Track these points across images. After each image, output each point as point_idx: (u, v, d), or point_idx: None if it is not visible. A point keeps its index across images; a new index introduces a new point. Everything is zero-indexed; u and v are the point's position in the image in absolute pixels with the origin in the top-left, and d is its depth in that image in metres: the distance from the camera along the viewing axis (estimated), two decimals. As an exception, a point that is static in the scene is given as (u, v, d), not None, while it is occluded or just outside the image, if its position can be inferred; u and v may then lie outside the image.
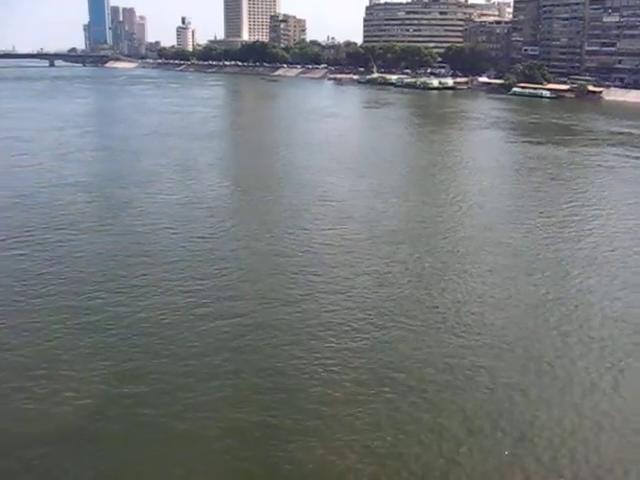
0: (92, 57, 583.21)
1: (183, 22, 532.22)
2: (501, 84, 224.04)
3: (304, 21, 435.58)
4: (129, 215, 58.82)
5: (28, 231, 52.85)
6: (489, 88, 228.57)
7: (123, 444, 25.61)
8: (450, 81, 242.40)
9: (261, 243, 50.81)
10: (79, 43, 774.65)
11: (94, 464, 24.47)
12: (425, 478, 24.02)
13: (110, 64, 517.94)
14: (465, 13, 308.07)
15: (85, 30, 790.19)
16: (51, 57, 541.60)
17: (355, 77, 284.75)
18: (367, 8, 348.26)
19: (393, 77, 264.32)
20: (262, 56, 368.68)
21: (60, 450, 25.23)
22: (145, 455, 25.19)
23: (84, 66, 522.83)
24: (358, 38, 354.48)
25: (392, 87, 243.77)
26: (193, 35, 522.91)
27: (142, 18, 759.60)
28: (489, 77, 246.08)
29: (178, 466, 24.40)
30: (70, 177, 74.82)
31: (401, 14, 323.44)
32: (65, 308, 37.58)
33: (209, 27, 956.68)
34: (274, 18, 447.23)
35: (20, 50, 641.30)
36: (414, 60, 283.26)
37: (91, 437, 25.94)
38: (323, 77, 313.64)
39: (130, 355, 32.11)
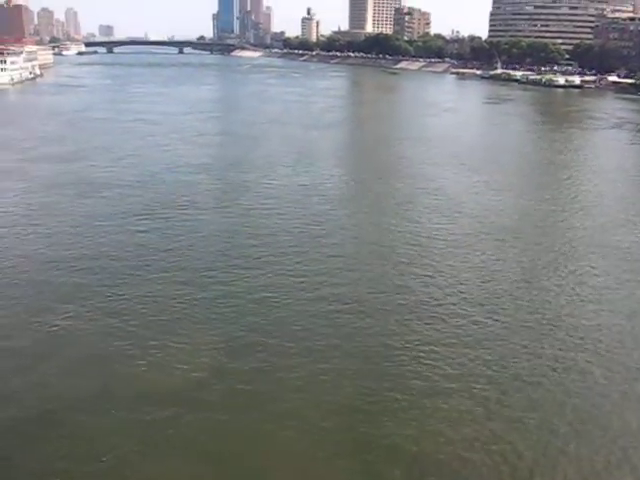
0: (219, 45, 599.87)
1: (308, 13, 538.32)
2: (632, 84, 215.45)
3: (429, 14, 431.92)
4: (247, 198, 61.20)
5: (152, 208, 56.15)
6: (618, 88, 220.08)
7: (222, 416, 26.97)
8: (577, 79, 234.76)
9: (371, 232, 51.94)
10: (207, 32, 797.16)
11: (193, 428, 26.25)
12: (533, 472, 24.41)
13: (236, 52, 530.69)
14: (597, 9, 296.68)
15: (214, 19, 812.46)
16: (180, 44, 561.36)
17: (478, 72, 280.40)
18: (494, 2, 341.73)
19: (517, 73, 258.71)
20: (385, 48, 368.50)
21: (166, 412, 27.13)
22: (241, 430, 26.31)
23: (211, 54, 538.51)
24: (483, 32, 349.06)
25: (516, 83, 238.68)
26: (317, 26, 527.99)
27: (268, 8, 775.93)
28: (619, 76, 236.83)
29: (271, 443, 25.52)
30: (193, 160, 78.34)
31: (529, 9, 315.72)
32: (181, 282, 39.88)
33: (334, 18, 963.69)
34: (399, 11, 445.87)
35: (152, 37, 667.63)
36: (540, 56, 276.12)
37: (195, 405, 27.73)
38: (445, 71, 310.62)
39: (238, 332, 33.82)
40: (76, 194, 61.04)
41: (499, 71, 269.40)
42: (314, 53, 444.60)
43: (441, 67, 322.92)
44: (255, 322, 34.83)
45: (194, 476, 23.65)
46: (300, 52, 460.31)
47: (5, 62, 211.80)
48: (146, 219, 52.98)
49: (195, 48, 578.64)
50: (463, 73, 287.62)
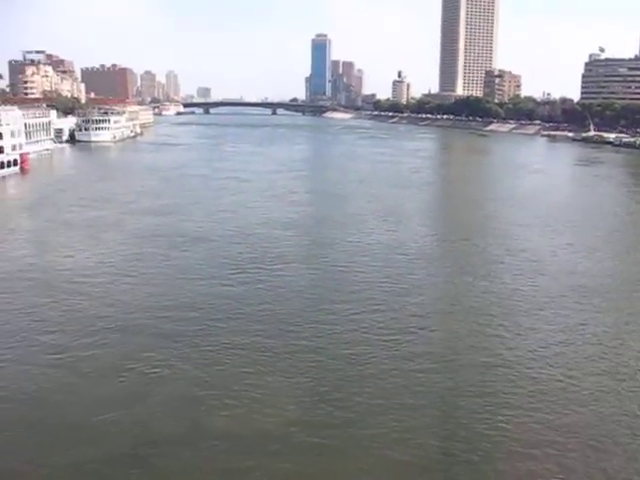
0: (311, 107, 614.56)
1: (399, 75, 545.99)
2: None
3: (519, 77, 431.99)
4: (333, 254, 62.91)
5: (241, 262, 58.47)
6: None
7: (301, 468, 28.12)
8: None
9: (455, 292, 52.54)
10: (300, 93, 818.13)
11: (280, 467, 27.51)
12: None
13: (327, 114, 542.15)
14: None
15: (307, 81, 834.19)
16: (274, 106, 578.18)
17: (570, 134, 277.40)
18: (586, 64, 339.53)
19: (610, 136, 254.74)
20: (475, 110, 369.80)
21: (248, 459, 28.42)
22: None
23: (303, 115, 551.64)
24: (575, 94, 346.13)
25: (609, 146, 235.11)
26: (408, 88, 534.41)
27: (360, 71, 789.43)
28: None
29: None
30: (283, 216, 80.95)
31: (623, 70, 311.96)
32: (267, 334, 41.43)
33: (424, 81, 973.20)
34: (489, 73, 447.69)
35: (247, 99, 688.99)
36: (634, 119, 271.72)
37: (275, 454, 28.86)
38: (536, 133, 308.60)
39: (321, 386, 34.78)
40: (170, 246, 64.15)
41: (591, 133, 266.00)
42: (404, 115, 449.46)
43: (532, 129, 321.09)
44: (338, 377, 35.67)
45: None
46: (390, 114, 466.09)
47: (109, 121, 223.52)
48: (235, 272, 55.18)
49: (288, 109, 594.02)
50: (554, 135, 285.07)
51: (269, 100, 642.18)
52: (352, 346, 39.79)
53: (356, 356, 38.33)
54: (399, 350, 39.44)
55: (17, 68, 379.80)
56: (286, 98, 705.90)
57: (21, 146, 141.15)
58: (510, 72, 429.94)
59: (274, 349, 39.04)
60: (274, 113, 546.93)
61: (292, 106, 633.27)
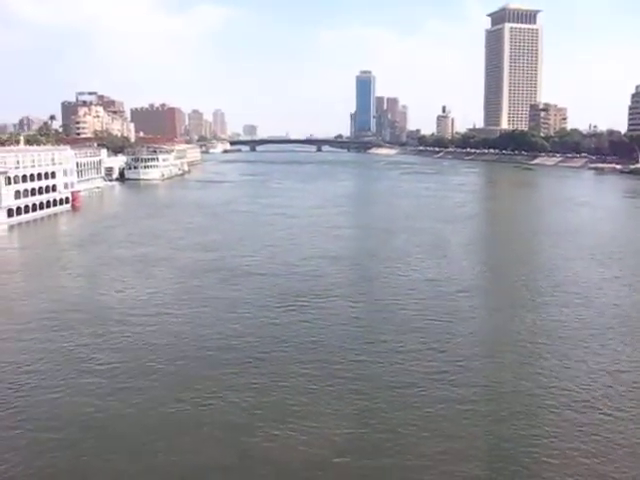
0: (356, 143, 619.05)
1: (443, 111, 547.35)
2: None
3: (565, 109, 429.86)
4: (378, 288, 63.62)
5: (288, 295, 59.48)
6: None
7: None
8: None
9: (502, 322, 52.94)
10: (345, 130, 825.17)
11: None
12: None
13: (372, 150, 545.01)
14: None
15: (351, 118, 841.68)
16: (319, 142, 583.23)
17: (617, 167, 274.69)
18: (633, 96, 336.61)
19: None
20: (520, 144, 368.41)
21: (301, 478, 29.20)
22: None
23: (348, 151, 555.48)
24: (622, 126, 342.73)
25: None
26: (452, 123, 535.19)
27: (404, 107, 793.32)
28: None
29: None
30: (328, 251, 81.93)
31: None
32: (312, 365, 42.24)
33: (468, 115, 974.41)
34: (534, 107, 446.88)
35: (292, 136, 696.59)
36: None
37: (330, 473, 29.75)
38: (583, 166, 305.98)
39: (366, 427, 34.98)
40: (219, 281, 65.55)
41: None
42: (449, 150, 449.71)
43: (578, 162, 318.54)
44: (385, 407, 36.21)
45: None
46: (435, 149, 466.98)
47: (157, 159, 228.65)
48: (283, 305, 56.17)
49: (332, 146, 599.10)
50: (602, 168, 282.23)
51: (314, 137, 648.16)
52: (398, 376, 40.35)
53: (402, 386, 38.83)
54: (444, 379, 39.81)
55: (70, 109, 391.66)
56: (331, 135, 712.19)
57: (73, 184, 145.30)
58: (555, 105, 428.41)
59: (321, 379, 39.79)
60: (319, 150, 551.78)
61: (337, 142, 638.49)
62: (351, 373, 40.79)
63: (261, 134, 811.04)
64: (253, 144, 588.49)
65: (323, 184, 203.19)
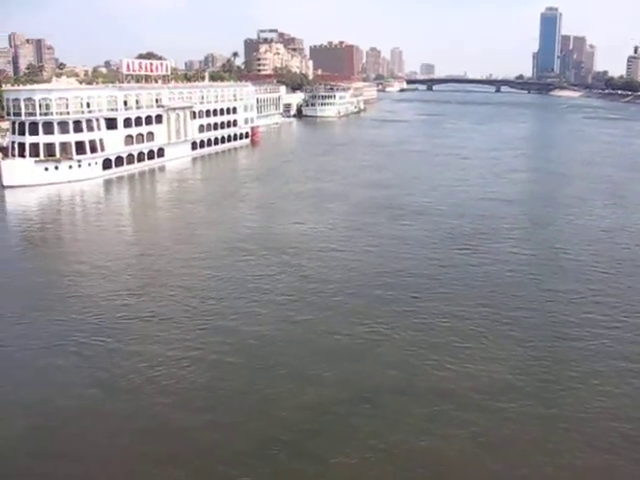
0: (537, 84, 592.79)
1: (635, 51, 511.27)
2: None
3: None
4: (552, 233, 62.41)
5: (456, 235, 59.86)
6: None
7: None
8: None
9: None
10: (526, 70, 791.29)
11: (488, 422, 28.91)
12: None
13: (554, 92, 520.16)
14: None
15: (534, 58, 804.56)
16: (498, 83, 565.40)
17: None
18: None
19: None
20: None
21: (464, 411, 30.12)
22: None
23: (528, 93, 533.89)
24: None
25: None
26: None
27: (592, 47, 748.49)
28: None
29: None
30: (500, 193, 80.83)
31: None
32: (476, 303, 42.66)
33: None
34: None
35: (470, 76, 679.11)
36: None
37: (492, 402, 30.47)
38: None
39: (532, 349, 35.70)
40: (390, 218, 66.87)
41: None
42: (638, 94, 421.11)
43: None
44: (548, 369, 34.79)
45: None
46: (623, 93, 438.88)
47: (334, 97, 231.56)
48: (452, 246, 56.70)
49: (512, 87, 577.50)
50: None
51: (493, 77, 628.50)
52: (566, 327, 39.44)
53: (570, 338, 37.95)
54: (616, 336, 38.55)
55: (252, 46, 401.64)
56: (511, 75, 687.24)
57: (253, 120, 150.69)
58: None
59: (485, 318, 40.20)
60: (498, 90, 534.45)
61: (517, 83, 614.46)
62: (519, 320, 40.56)
63: (438, 73, 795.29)
64: (430, 83, 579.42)
65: (500, 126, 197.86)
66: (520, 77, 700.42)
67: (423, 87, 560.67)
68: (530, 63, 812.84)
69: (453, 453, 26.86)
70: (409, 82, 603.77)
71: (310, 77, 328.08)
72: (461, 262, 51.89)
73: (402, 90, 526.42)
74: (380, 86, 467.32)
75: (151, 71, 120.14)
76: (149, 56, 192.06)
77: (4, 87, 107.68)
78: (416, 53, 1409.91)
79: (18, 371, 34.30)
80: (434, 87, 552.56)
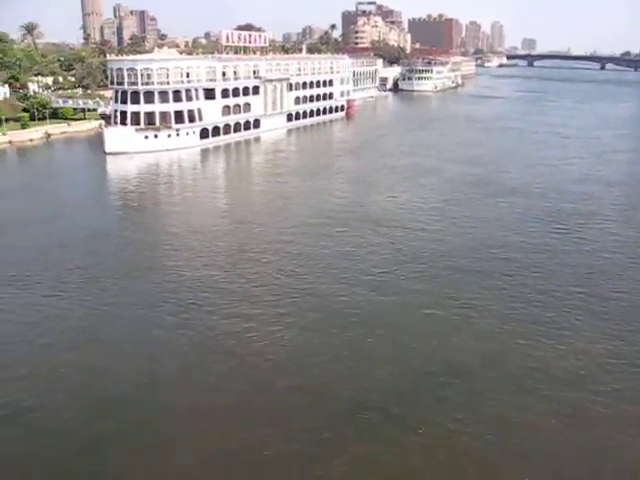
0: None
1: None
2: None
3: None
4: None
5: (553, 215, 58.40)
6: None
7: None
8: None
9: None
10: (634, 47, 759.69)
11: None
12: None
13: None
14: None
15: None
16: (602, 60, 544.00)
17: None
18: None
19: None
20: None
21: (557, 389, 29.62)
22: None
23: (635, 71, 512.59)
24: None
25: None
26: None
27: None
28: None
29: None
30: (600, 174, 78.19)
31: None
32: (572, 282, 41.66)
33: None
34: None
35: (574, 52, 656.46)
36: None
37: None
38: None
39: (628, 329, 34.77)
40: (485, 194, 65.87)
41: None
42: None
43: None
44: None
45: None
46: None
47: (431, 71, 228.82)
48: (548, 227, 55.16)
49: (618, 64, 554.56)
50: None
51: (597, 54, 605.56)
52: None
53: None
54: None
55: (349, 18, 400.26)
56: (617, 52, 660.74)
57: (349, 93, 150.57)
58: None
59: (581, 299, 39.18)
60: (602, 68, 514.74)
61: (623, 60, 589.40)
62: (616, 302, 39.28)
63: (540, 49, 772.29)
64: (530, 59, 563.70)
65: (603, 105, 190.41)
66: (627, 54, 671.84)
67: (523, 63, 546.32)
68: (638, 39, 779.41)
69: (545, 429, 26.57)
70: (509, 57, 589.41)
71: (407, 51, 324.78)
72: (557, 242, 50.66)
73: (501, 65, 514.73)
74: (479, 61, 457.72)
75: (249, 43, 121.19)
76: (248, 28, 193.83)
77: (108, 57, 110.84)
78: (517, 27, 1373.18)
79: (123, 329, 35.76)
80: (535, 63, 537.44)
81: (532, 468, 24.42)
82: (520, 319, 36.33)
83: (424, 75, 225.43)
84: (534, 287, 40.96)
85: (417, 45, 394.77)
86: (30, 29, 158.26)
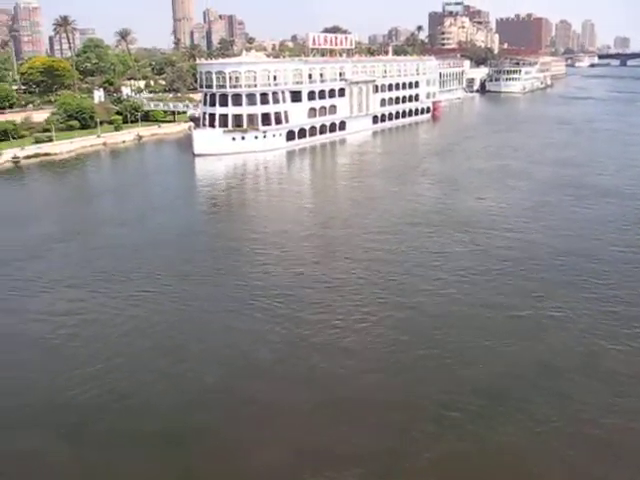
0: None
1: None
2: None
3: None
4: None
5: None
6: None
7: None
8: None
9: None
10: None
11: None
12: None
13: None
14: None
15: None
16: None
17: None
18: None
19: None
20: None
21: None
22: None
23: None
24: None
25: None
26: None
27: None
28: None
29: None
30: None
31: None
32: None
33: None
34: None
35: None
36: None
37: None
38: None
39: None
40: (575, 197, 64.12)
41: None
42: None
43: None
44: None
45: None
46: None
47: (520, 72, 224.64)
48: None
49: None
50: None
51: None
52: None
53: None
54: None
55: (436, 19, 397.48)
56: None
57: (434, 94, 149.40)
58: None
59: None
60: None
61: None
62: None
63: (635, 47, 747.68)
64: (624, 58, 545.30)
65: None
66: None
67: (616, 62, 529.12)
68: None
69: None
70: (601, 57, 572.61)
71: (495, 51, 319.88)
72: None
73: (592, 65, 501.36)
74: (569, 61, 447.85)
75: (335, 45, 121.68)
76: (334, 30, 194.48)
77: (198, 61, 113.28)
78: (610, 26, 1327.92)
79: (213, 322, 36.59)
80: (629, 62, 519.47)
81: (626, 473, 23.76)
82: (610, 327, 35.03)
83: (512, 76, 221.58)
84: (623, 297, 39.32)
85: (505, 45, 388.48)
86: (124, 35, 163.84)
